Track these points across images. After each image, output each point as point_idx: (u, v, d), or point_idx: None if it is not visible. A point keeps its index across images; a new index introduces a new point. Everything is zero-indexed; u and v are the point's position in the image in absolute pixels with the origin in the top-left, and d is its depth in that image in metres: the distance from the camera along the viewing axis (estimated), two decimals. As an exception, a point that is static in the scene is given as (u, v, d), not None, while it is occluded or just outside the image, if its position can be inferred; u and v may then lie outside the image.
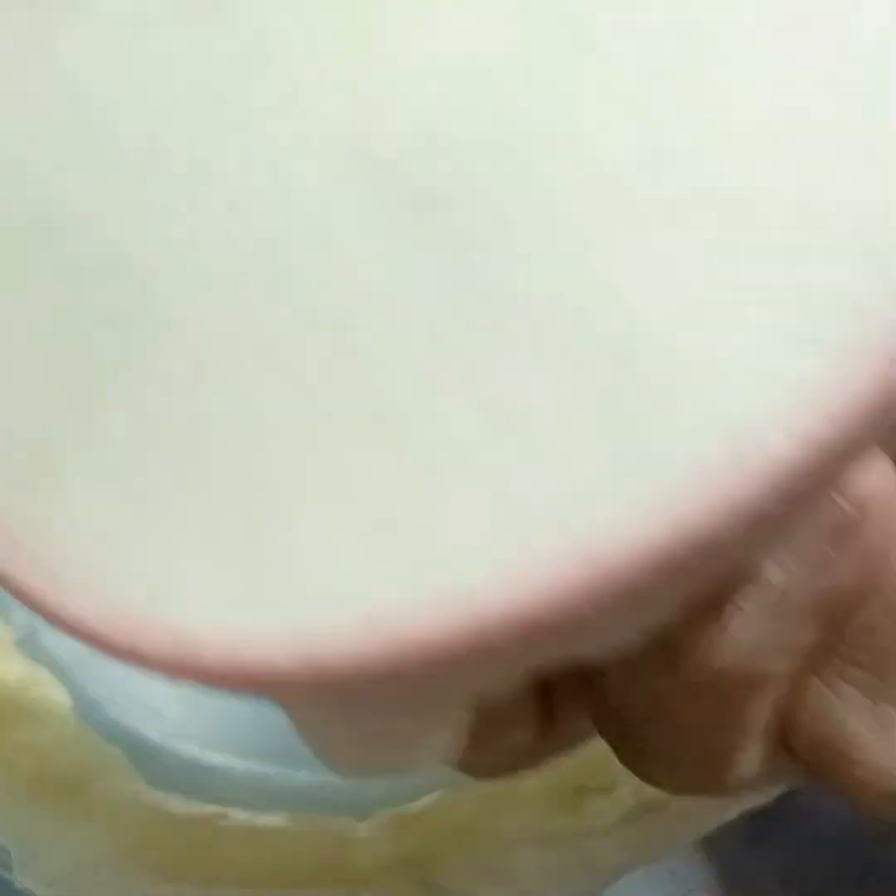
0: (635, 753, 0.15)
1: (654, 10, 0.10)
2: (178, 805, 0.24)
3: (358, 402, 0.10)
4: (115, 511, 0.10)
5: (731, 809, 0.23)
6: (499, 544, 0.09)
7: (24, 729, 0.25)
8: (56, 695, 0.27)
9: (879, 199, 0.09)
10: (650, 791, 0.22)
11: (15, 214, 0.11)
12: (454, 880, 0.22)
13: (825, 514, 0.12)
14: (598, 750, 0.23)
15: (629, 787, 0.22)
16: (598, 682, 0.14)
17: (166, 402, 0.11)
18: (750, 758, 0.14)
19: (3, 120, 0.12)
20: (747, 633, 0.13)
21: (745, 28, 0.10)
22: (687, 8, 0.10)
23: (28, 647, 0.28)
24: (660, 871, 0.31)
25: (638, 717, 0.14)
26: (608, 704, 0.14)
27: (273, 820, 0.23)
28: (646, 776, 0.15)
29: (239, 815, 0.24)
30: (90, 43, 0.11)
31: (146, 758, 0.26)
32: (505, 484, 0.09)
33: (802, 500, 0.09)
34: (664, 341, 0.09)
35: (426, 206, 0.10)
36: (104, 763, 0.25)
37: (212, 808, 0.24)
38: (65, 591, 0.10)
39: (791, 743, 0.14)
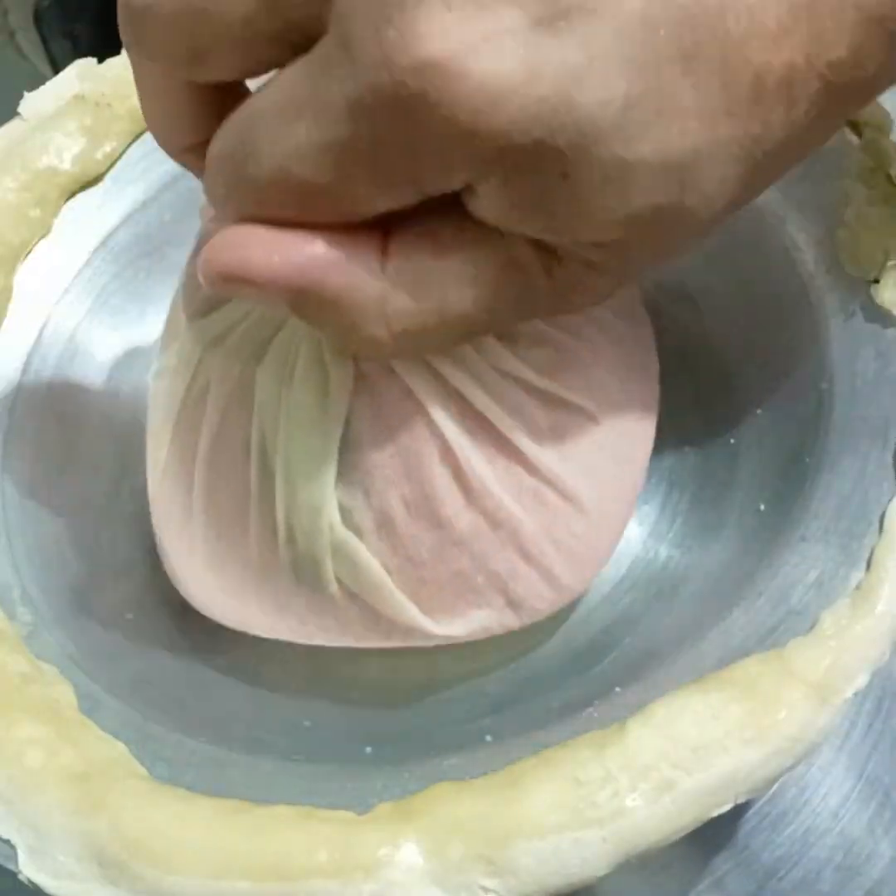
0: None
1: None
2: (183, 798, 0.24)
3: None
4: None
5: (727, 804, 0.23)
6: None
7: (30, 724, 0.25)
8: (61, 690, 0.27)
9: None
10: (649, 782, 0.22)
11: None
12: (453, 873, 0.22)
13: None
14: (591, 744, 0.23)
15: (625, 781, 0.22)
16: None
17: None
18: None
19: None
20: None
21: None
22: None
23: (33, 642, 0.28)
24: (657, 871, 0.32)
25: None
26: None
27: (276, 812, 0.24)
28: None
29: (243, 808, 0.24)
30: None
31: (151, 751, 0.26)
32: None
33: None
34: None
35: None
36: (109, 756, 0.25)
37: (217, 801, 0.24)
38: None
39: None
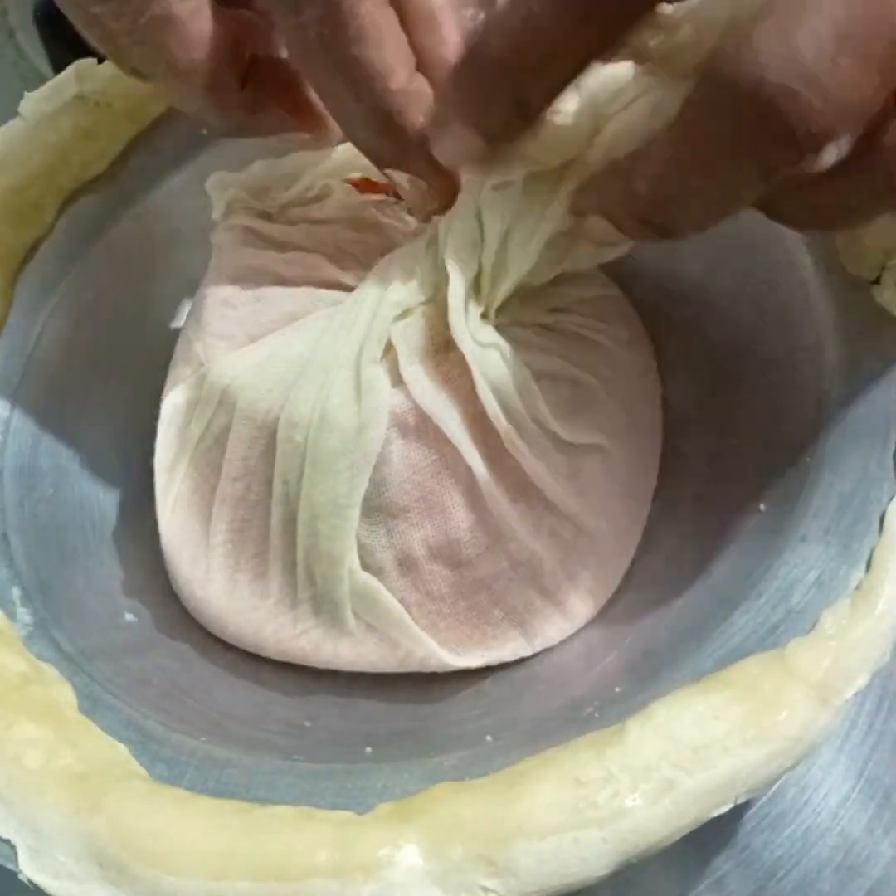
0: None
1: None
2: (182, 798, 0.24)
3: None
4: None
5: (725, 804, 0.23)
6: None
7: (30, 724, 0.25)
8: (61, 690, 0.27)
9: None
10: (650, 782, 0.22)
11: None
12: (454, 873, 0.22)
13: None
14: (591, 744, 0.23)
15: (626, 781, 0.22)
16: None
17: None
18: None
19: None
20: None
21: None
22: None
23: (33, 642, 0.28)
24: (657, 871, 0.31)
25: None
26: None
27: (276, 812, 0.23)
28: None
29: (243, 808, 0.24)
30: None
31: (151, 751, 0.26)
32: None
33: None
34: None
35: None
36: (109, 757, 0.25)
37: (216, 801, 0.24)
38: None
39: None
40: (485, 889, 0.22)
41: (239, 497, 0.30)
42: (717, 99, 0.21)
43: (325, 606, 0.29)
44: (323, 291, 0.31)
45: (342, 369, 0.28)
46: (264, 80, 0.30)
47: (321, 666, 0.30)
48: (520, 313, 0.29)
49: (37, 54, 0.53)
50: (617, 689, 0.26)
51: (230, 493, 0.30)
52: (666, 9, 0.24)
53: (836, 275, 0.30)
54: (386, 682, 0.30)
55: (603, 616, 0.31)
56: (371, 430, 0.27)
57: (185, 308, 0.34)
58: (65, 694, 0.27)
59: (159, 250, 0.37)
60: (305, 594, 0.29)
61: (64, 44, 0.53)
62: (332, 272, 0.31)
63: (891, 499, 0.26)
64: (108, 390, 0.36)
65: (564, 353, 0.30)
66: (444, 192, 0.28)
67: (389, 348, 0.28)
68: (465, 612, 0.29)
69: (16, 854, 0.24)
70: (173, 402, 0.32)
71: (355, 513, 0.28)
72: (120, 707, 0.27)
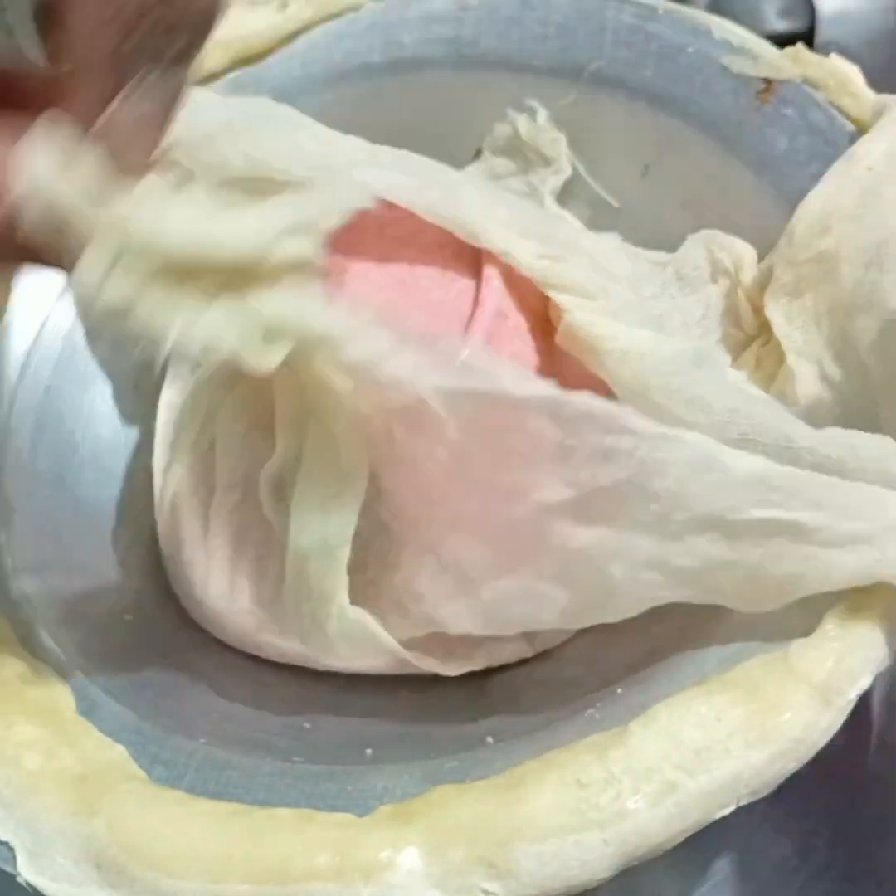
0: None
1: None
2: (181, 800, 0.24)
3: None
4: None
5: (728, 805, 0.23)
6: None
7: (28, 726, 0.25)
8: (60, 691, 0.27)
9: None
10: (652, 784, 0.22)
11: None
12: (454, 876, 0.22)
13: None
14: (593, 746, 0.23)
15: (627, 783, 0.22)
16: None
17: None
18: None
19: None
20: None
21: None
22: None
23: (32, 644, 0.28)
24: (659, 873, 0.31)
25: None
26: None
27: (276, 815, 0.23)
28: None
29: (242, 810, 0.24)
30: None
31: (150, 753, 0.26)
32: None
33: None
34: None
35: None
36: (108, 758, 0.25)
37: (216, 803, 0.24)
38: None
39: None
40: (485, 891, 0.22)
41: (236, 501, 0.30)
42: None
43: (315, 639, 0.28)
44: None
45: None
46: None
47: (320, 667, 0.30)
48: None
49: (35, 52, 0.53)
50: (618, 690, 0.26)
51: (226, 499, 0.30)
52: None
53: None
54: (386, 683, 0.30)
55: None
56: (354, 470, 0.26)
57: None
58: (63, 695, 0.27)
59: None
60: (295, 625, 0.28)
61: (63, 42, 0.52)
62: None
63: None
64: (108, 390, 0.36)
65: None
66: None
67: None
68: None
69: (14, 856, 0.23)
70: (170, 401, 0.32)
71: (345, 552, 0.27)
72: (119, 708, 0.27)
